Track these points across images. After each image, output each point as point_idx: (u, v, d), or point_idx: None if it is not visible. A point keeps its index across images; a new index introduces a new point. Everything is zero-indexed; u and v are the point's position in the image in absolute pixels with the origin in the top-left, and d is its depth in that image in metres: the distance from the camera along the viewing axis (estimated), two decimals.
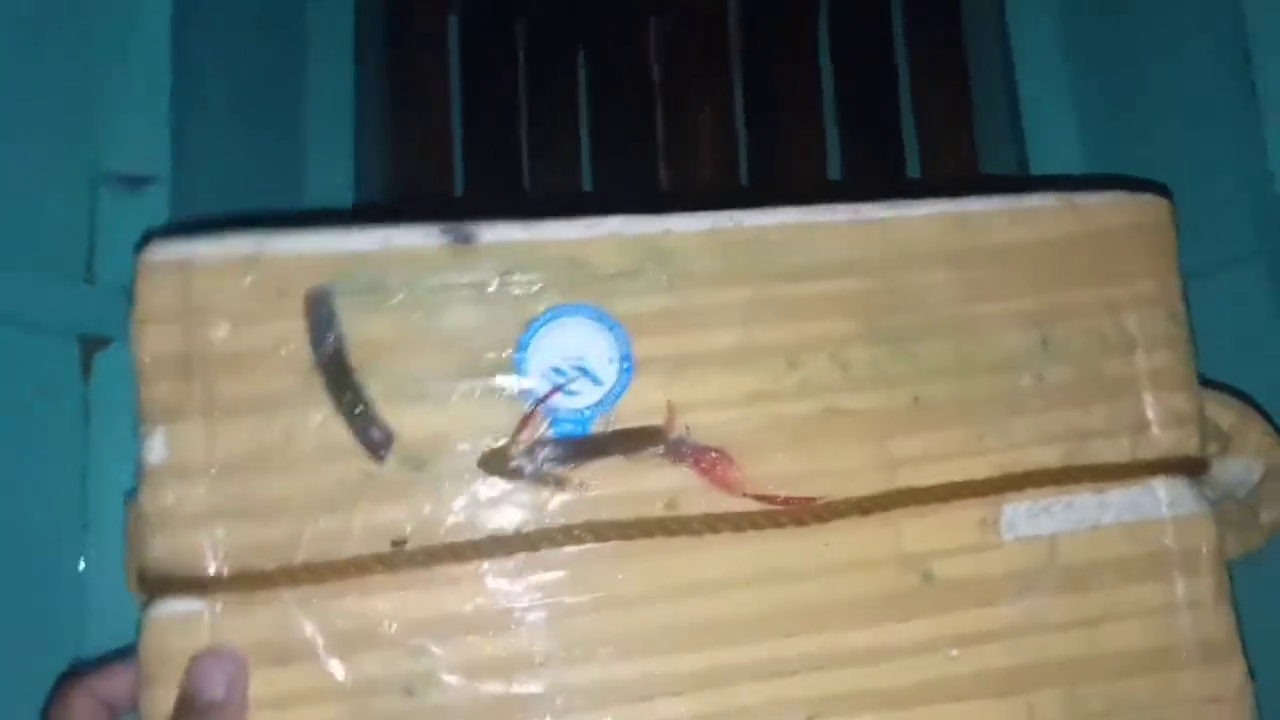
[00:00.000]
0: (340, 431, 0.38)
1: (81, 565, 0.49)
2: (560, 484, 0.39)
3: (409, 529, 0.38)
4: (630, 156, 0.95)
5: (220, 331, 0.37)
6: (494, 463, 0.38)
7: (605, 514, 0.39)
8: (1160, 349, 0.43)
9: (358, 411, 0.38)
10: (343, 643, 0.37)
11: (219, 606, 0.36)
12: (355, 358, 0.38)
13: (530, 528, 0.38)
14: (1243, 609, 0.44)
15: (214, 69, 0.58)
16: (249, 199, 0.63)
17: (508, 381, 0.39)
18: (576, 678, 0.38)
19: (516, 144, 0.95)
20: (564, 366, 0.39)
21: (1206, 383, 0.46)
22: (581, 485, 0.39)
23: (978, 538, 0.41)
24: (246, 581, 0.37)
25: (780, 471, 0.40)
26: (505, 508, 0.38)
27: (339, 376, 0.38)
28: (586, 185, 0.95)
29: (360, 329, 0.38)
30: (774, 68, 0.98)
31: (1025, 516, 0.41)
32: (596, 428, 0.39)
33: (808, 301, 0.41)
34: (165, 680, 0.36)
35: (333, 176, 0.77)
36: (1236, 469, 0.46)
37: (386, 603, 0.37)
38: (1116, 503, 0.42)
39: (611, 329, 0.40)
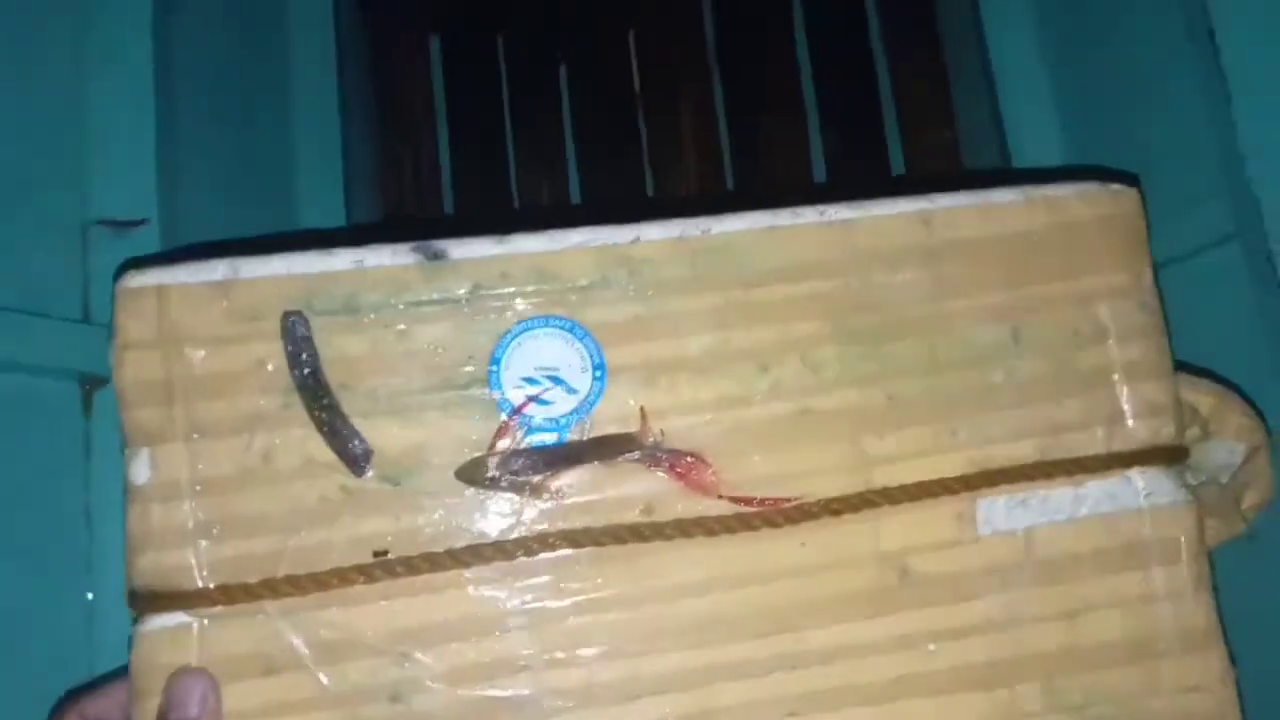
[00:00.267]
0: (319, 448, 0.39)
1: (90, 596, 0.50)
2: (537, 492, 0.39)
3: (390, 540, 0.39)
4: (616, 166, 0.96)
5: (198, 355, 0.38)
6: (471, 473, 0.39)
7: (583, 520, 0.40)
8: (1133, 340, 0.43)
9: (336, 428, 0.39)
10: (328, 652, 0.38)
11: (206, 621, 0.37)
12: (332, 376, 0.39)
13: (509, 536, 0.39)
14: (1241, 594, 0.45)
15: (198, 106, 0.60)
16: (240, 232, 0.64)
17: (483, 394, 0.40)
18: (559, 680, 0.39)
19: (503, 158, 0.97)
20: (538, 377, 0.40)
21: (1186, 367, 0.46)
22: (558, 493, 0.40)
23: (954, 533, 0.41)
24: (232, 595, 0.37)
25: (755, 474, 0.41)
26: (484, 517, 0.39)
27: (316, 395, 0.39)
28: (574, 196, 0.96)
29: (336, 348, 0.39)
30: (753, 72, 0.98)
31: (1001, 511, 0.41)
32: (572, 436, 0.40)
33: (778, 305, 0.41)
34: (155, 693, 0.37)
35: (323, 203, 0.78)
36: (1218, 452, 0.46)
37: (370, 612, 0.38)
38: (1093, 495, 0.42)
39: (583, 339, 0.40)
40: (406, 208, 0.93)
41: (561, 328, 0.40)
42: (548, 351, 0.40)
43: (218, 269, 0.39)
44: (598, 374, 0.40)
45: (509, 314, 0.40)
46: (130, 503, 0.38)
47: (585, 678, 0.39)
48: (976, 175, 0.85)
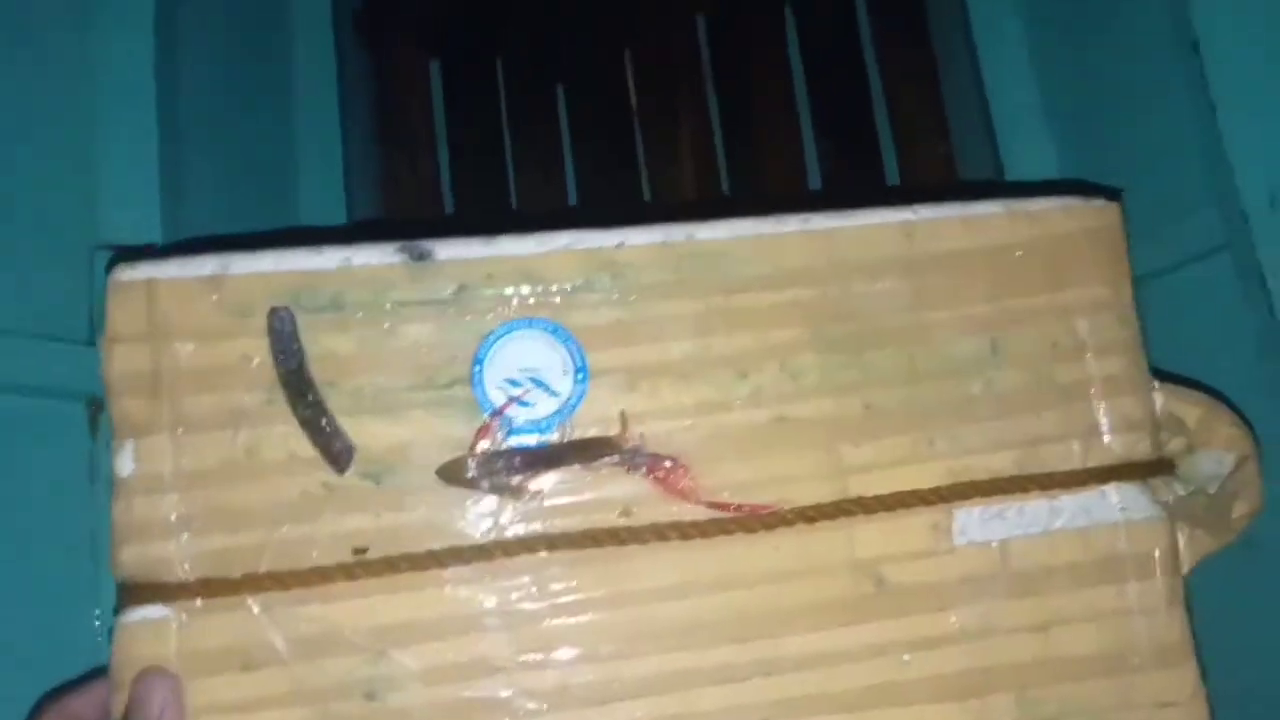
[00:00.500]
0: (303, 444, 0.39)
1: (96, 620, 0.50)
2: (517, 493, 0.40)
3: (370, 538, 0.39)
4: (614, 182, 0.97)
5: (186, 349, 0.39)
6: (452, 473, 0.40)
7: (561, 522, 0.40)
8: (1111, 354, 0.43)
9: (319, 425, 0.39)
10: (306, 648, 0.38)
11: (186, 614, 0.38)
12: (316, 373, 0.40)
13: (488, 536, 0.40)
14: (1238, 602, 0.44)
15: (201, 130, 0.60)
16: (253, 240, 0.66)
17: (465, 394, 0.40)
18: (534, 682, 0.39)
19: (503, 177, 0.98)
20: (520, 379, 0.41)
21: (1173, 378, 0.46)
22: (538, 494, 0.40)
23: (929, 543, 0.41)
24: (212, 589, 0.38)
25: (733, 479, 0.41)
26: (464, 517, 0.40)
27: (301, 391, 0.39)
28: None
29: (321, 345, 0.40)
30: (749, 87, 0.99)
31: (977, 522, 0.42)
32: (553, 438, 0.40)
33: (759, 312, 0.42)
34: None
35: (326, 223, 0.79)
36: (1207, 462, 0.46)
37: (349, 609, 0.39)
38: (1069, 508, 0.42)
39: (566, 341, 0.41)
40: (409, 227, 0.93)
41: (545, 330, 0.41)
42: (531, 353, 0.41)
43: (207, 264, 0.39)
44: (580, 377, 0.41)
45: (493, 315, 0.41)
46: (115, 495, 0.38)
47: (561, 679, 0.39)
48: (968, 186, 0.86)
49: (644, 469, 0.40)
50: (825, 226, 0.42)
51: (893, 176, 0.96)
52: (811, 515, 0.40)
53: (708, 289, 0.42)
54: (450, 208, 0.96)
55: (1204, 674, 0.42)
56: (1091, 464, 0.43)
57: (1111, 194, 0.45)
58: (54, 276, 0.50)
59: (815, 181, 0.97)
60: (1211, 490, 0.46)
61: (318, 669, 0.38)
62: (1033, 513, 0.42)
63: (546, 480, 0.40)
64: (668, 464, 0.41)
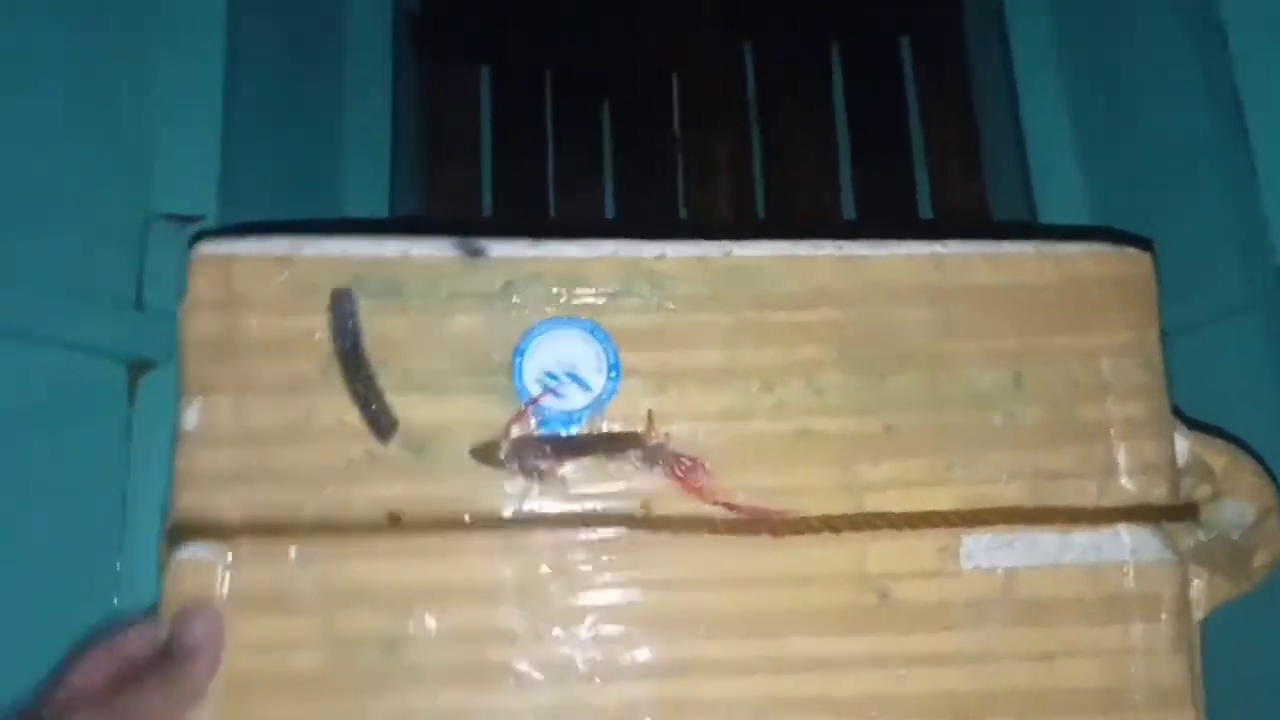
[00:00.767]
0: (352, 414, 0.42)
1: (118, 567, 0.52)
2: (544, 477, 0.42)
3: (405, 504, 0.42)
4: (652, 201, 1.01)
5: (255, 319, 0.43)
6: (485, 453, 0.42)
7: (583, 508, 0.42)
8: (1133, 398, 0.44)
9: (369, 398, 0.42)
10: (336, 599, 0.41)
11: (231, 556, 0.41)
12: (370, 351, 0.43)
13: (513, 514, 0.42)
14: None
15: (259, 118, 0.63)
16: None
17: (505, 382, 0.43)
18: (544, 653, 0.41)
19: (543, 189, 1.01)
20: (557, 372, 0.43)
21: (1200, 426, 0.47)
22: (563, 480, 0.43)
23: (936, 564, 0.43)
24: (257, 534, 0.41)
25: (751, 484, 0.43)
26: (492, 494, 0.42)
27: (355, 366, 0.43)
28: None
29: (377, 326, 0.43)
30: (790, 118, 1.02)
31: (985, 548, 0.43)
32: (582, 429, 0.43)
33: (788, 329, 0.44)
34: None
35: (367, 214, 0.81)
36: (1231, 511, 0.47)
37: (377, 568, 0.42)
38: (1079, 544, 0.43)
39: (603, 341, 0.43)
40: (450, 231, 0.97)
41: (584, 329, 0.43)
42: (569, 349, 0.43)
43: (280, 245, 0.43)
44: (613, 375, 0.43)
45: (537, 311, 0.43)
46: (179, 445, 0.42)
47: (568, 655, 0.41)
48: (1002, 226, 0.88)
49: (665, 466, 0.43)
50: (858, 253, 0.44)
51: (925, 212, 0.98)
52: (823, 526, 0.42)
53: (741, 303, 0.44)
54: (489, 213, 0.99)
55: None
56: (1106, 503, 0.43)
57: (1143, 244, 0.46)
58: (106, 240, 0.52)
59: (849, 211, 0.99)
60: (1234, 538, 0.47)
61: (343, 620, 0.41)
62: (1043, 545, 0.43)
63: (572, 468, 0.43)
64: (688, 463, 0.43)
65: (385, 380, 0.43)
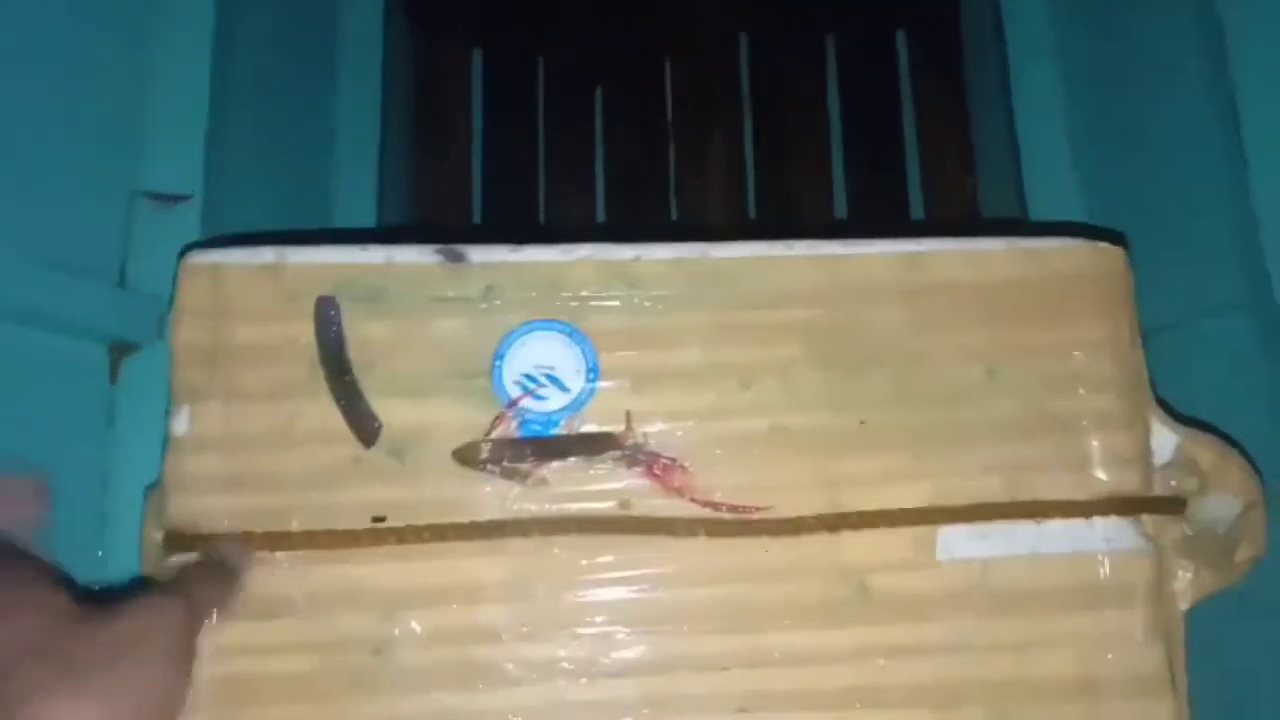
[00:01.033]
0: (336, 420, 0.43)
1: (99, 554, 0.50)
2: (525, 478, 0.43)
3: (389, 508, 0.43)
4: (643, 191, 1.01)
5: (242, 327, 0.44)
6: (467, 455, 0.43)
7: (564, 508, 0.43)
8: (1105, 391, 0.45)
9: (353, 403, 0.43)
10: (323, 604, 0.42)
11: None
12: (355, 356, 0.44)
13: (495, 515, 0.43)
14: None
15: (248, 97, 0.62)
16: (276, 221, 0.66)
17: (485, 385, 0.44)
18: (529, 652, 0.42)
19: (533, 176, 1.01)
20: (536, 374, 0.44)
21: (1188, 421, 0.47)
22: (544, 481, 0.43)
23: (912, 556, 0.43)
24: (249, 542, 0.42)
25: (728, 481, 0.44)
26: (474, 496, 0.43)
27: (339, 372, 0.44)
28: (601, 217, 1.01)
29: (360, 331, 0.44)
30: (783, 109, 1.02)
31: (961, 540, 0.43)
32: (562, 431, 0.44)
33: (764, 328, 0.45)
34: None
35: (357, 201, 0.81)
36: (1216, 505, 0.47)
37: (364, 572, 0.42)
38: (1055, 535, 0.44)
39: (581, 343, 0.44)
40: (436, 215, 0.97)
41: (562, 331, 0.44)
42: (548, 352, 0.44)
43: (267, 253, 0.44)
44: (591, 376, 0.44)
45: (516, 315, 0.44)
46: (169, 452, 0.43)
47: (552, 652, 0.42)
48: (991, 224, 0.88)
49: (644, 465, 0.43)
50: (832, 253, 0.45)
51: (917, 206, 0.98)
52: (800, 521, 0.43)
53: (717, 304, 0.45)
54: (479, 201, 0.99)
55: (1190, 707, 0.42)
56: (1080, 495, 0.44)
57: (1117, 239, 0.46)
58: (91, 215, 0.51)
59: (841, 208, 1.00)
60: (1219, 532, 0.47)
61: (331, 623, 0.42)
62: (1018, 536, 0.44)
63: (553, 468, 0.43)
64: (667, 462, 0.43)
65: (368, 385, 0.44)
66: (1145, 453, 0.45)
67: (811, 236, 0.46)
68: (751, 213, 1.01)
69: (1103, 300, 0.45)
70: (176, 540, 0.42)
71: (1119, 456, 0.44)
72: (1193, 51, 0.58)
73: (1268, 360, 0.52)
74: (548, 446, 0.43)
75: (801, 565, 0.43)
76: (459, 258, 0.45)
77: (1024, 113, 0.77)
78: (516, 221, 0.99)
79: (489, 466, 0.43)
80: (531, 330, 0.44)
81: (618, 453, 0.44)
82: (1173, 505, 0.46)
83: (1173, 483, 0.46)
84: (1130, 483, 0.44)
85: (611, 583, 0.43)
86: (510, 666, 0.42)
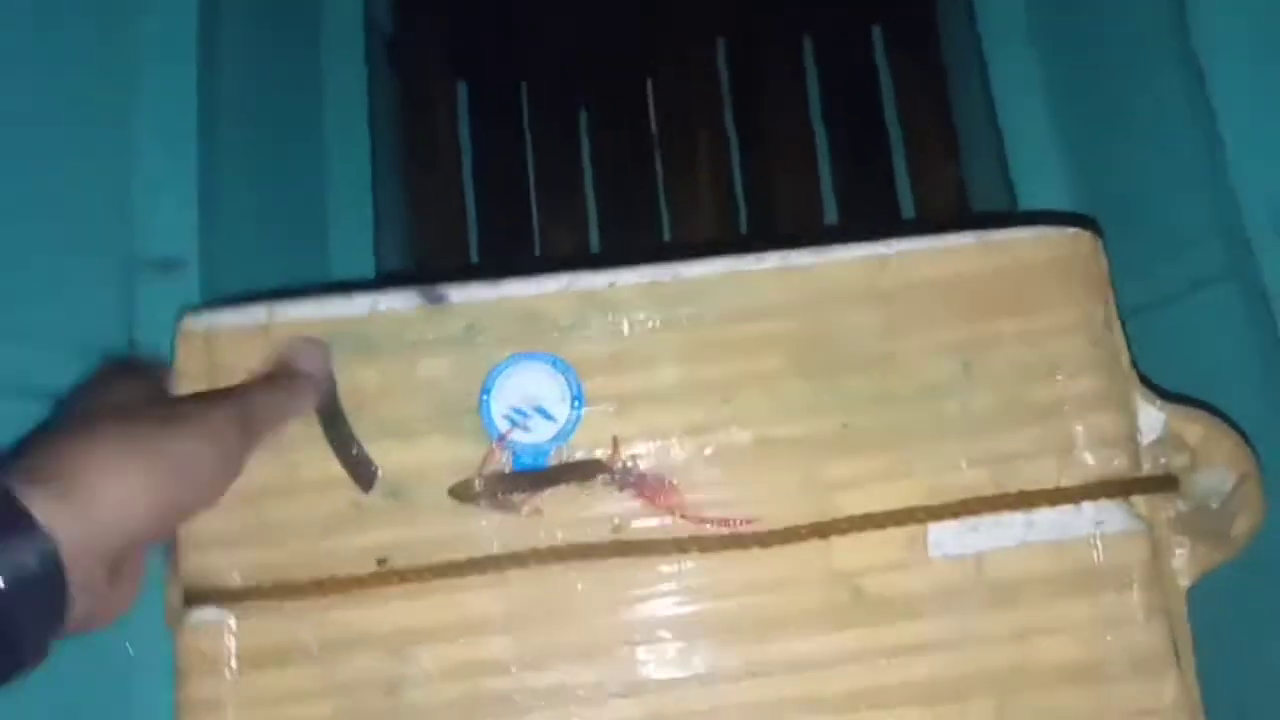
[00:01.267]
0: (334, 467, 0.45)
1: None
2: (519, 509, 0.44)
3: (391, 550, 0.44)
4: (634, 209, 1.02)
5: None
6: (461, 492, 0.44)
7: (560, 536, 0.44)
8: (1085, 374, 0.45)
9: (348, 450, 0.45)
10: (334, 648, 0.43)
11: (236, 616, 0.43)
12: (347, 403, 0.45)
13: (494, 549, 0.44)
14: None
15: (237, 153, 0.63)
16: (275, 274, 0.67)
17: (474, 421, 0.45)
18: (535, 681, 0.43)
19: (526, 202, 1.03)
20: (523, 406, 0.45)
21: (1176, 398, 0.47)
22: (539, 511, 0.44)
23: (905, 555, 0.44)
24: (258, 594, 0.44)
25: (718, 496, 0.44)
26: (472, 530, 0.44)
27: (333, 420, 0.45)
28: (593, 237, 1.02)
29: (351, 379, 0.45)
30: (766, 113, 1.03)
31: (952, 535, 0.44)
32: (551, 460, 0.45)
33: (741, 341, 0.46)
34: (198, 675, 0.43)
35: (354, 246, 0.83)
36: (1209, 480, 0.47)
37: (372, 614, 0.44)
38: (1045, 522, 0.44)
39: (564, 372, 0.45)
40: (434, 253, 0.99)
41: (545, 362, 0.45)
42: (532, 383, 0.45)
43: (259, 313, 0.46)
44: (576, 404, 0.45)
45: (499, 350, 0.46)
46: None
47: (559, 680, 0.43)
48: (980, 216, 0.88)
49: (634, 487, 0.44)
50: (802, 262, 0.46)
51: (906, 202, 0.99)
52: (791, 530, 0.43)
53: (693, 322, 0.46)
54: (474, 233, 1.01)
55: (1199, 683, 0.42)
56: (1067, 480, 0.44)
57: (1086, 223, 0.47)
58: (92, 292, 0.53)
59: (831, 208, 1.00)
60: (1214, 506, 0.47)
61: (345, 667, 0.43)
62: (1008, 526, 0.44)
63: (545, 498, 0.44)
64: (655, 482, 0.44)
65: (362, 430, 0.45)
66: (1131, 433, 0.45)
67: (801, 244, 0.47)
68: (741, 219, 1.02)
69: (1075, 285, 0.46)
70: (193, 596, 0.44)
71: (1104, 439, 0.44)
72: (1161, 27, 0.58)
73: (1254, 328, 0.52)
74: (539, 477, 0.45)
75: (795, 574, 0.44)
76: (439, 299, 0.46)
77: (1004, 100, 0.77)
78: (511, 253, 1.00)
79: (484, 501, 0.44)
80: (515, 363, 0.45)
81: (607, 477, 0.45)
82: (1164, 484, 0.46)
83: (1162, 460, 0.46)
84: (1117, 464, 0.44)
85: (611, 606, 0.44)
86: (521, 696, 0.43)
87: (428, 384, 0.45)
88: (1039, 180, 0.73)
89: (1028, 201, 0.73)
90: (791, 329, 0.46)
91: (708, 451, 0.45)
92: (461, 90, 1.06)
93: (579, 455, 0.45)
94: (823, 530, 0.44)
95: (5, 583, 0.31)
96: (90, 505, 0.33)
